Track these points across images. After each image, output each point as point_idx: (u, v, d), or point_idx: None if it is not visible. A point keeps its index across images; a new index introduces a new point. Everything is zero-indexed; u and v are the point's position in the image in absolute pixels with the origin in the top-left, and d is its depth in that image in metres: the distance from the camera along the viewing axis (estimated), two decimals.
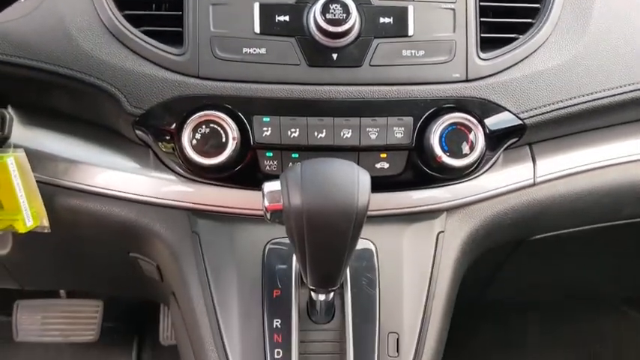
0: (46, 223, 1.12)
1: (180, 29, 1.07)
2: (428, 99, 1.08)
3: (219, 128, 1.03)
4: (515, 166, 1.20)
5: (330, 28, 1.02)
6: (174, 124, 1.05)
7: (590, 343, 2.31)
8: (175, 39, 1.07)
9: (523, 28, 1.14)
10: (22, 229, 1.09)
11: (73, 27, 1.05)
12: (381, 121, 1.07)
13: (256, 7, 1.05)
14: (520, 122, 1.12)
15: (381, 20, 1.06)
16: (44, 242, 1.31)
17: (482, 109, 1.09)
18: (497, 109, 1.11)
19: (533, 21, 1.14)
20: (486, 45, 1.11)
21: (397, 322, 1.09)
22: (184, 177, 1.13)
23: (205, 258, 1.12)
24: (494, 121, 1.10)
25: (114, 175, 1.15)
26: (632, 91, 1.15)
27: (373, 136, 1.07)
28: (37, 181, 1.11)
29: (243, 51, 1.05)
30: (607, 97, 1.14)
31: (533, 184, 1.20)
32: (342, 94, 1.06)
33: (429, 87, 1.08)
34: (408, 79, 1.08)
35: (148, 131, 1.09)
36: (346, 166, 0.87)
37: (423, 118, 1.08)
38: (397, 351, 1.08)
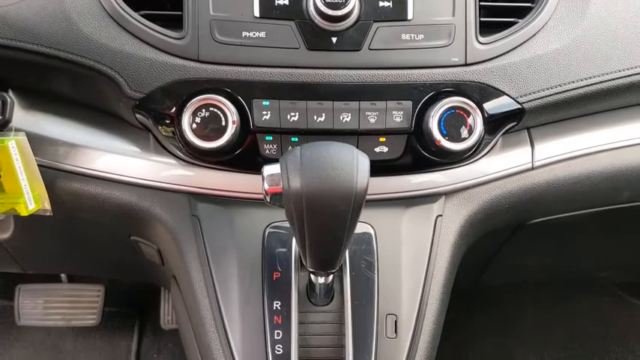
0: (47, 206, 1.13)
1: (180, 13, 1.07)
2: (427, 83, 1.08)
3: (218, 112, 1.04)
4: (513, 150, 1.20)
5: (330, 12, 1.02)
6: (174, 108, 1.06)
7: (586, 327, 2.33)
8: (175, 23, 1.07)
9: (522, 13, 1.14)
10: (24, 212, 1.09)
11: (73, 11, 1.05)
12: (380, 105, 1.07)
13: None
14: (519, 106, 1.12)
15: (381, 4, 1.06)
16: (46, 226, 1.32)
17: (480, 93, 1.10)
18: (496, 93, 1.11)
19: (532, 5, 1.14)
20: (485, 29, 1.11)
21: (395, 304, 1.11)
22: (184, 161, 1.14)
23: (206, 241, 1.13)
24: (493, 106, 1.11)
25: (114, 159, 1.15)
26: (630, 75, 1.15)
27: (372, 120, 1.07)
28: (38, 165, 1.11)
29: (243, 35, 1.06)
30: (605, 81, 1.14)
31: (532, 168, 1.20)
32: (341, 78, 1.06)
33: (428, 71, 1.08)
34: (407, 63, 1.08)
35: (148, 115, 1.09)
36: (345, 149, 0.88)
37: (422, 102, 1.08)
38: (395, 332, 1.09)
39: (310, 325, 1.07)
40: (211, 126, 1.04)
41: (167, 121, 1.08)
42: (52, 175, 1.15)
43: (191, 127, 1.04)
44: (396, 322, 1.10)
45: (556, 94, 1.13)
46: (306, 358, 1.05)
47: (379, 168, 1.05)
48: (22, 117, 1.13)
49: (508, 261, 1.61)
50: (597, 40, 1.14)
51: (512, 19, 1.13)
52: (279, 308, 1.07)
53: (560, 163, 1.21)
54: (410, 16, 1.07)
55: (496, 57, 1.10)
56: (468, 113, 1.07)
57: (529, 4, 1.14)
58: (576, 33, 1.13)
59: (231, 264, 1.11)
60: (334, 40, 1.06)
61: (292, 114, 1.06)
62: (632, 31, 1.15)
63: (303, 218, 0.88)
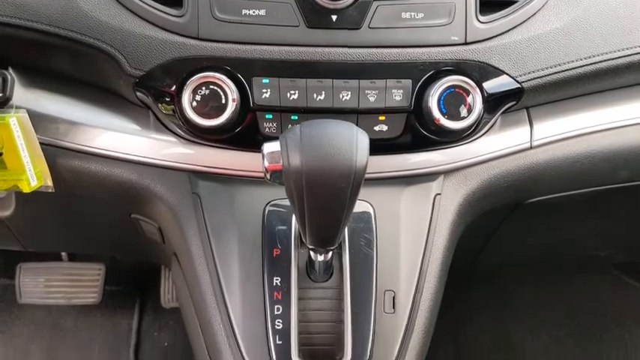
0: (49, 182, 1.14)
1: None
2: (427, 62, 1.08)
3: (218, 90, 1.04)
4: (512, 129, 1.21)
5: None
6: (174, 86, 1.06)
7: (583, 306, 2.35)
8: (175, 0, 1.07)
9: None
10: (26, 189, 1.10)
11: None
12: (380, 84, 1.07)
13: None
14: (518, 86, 1.12)
15: None
16: (47, 203, 1.33)
17: (480, 72, 1.10)
18: (496, 72, 1.11)
19: None
20: (485, 8, 1.10)
21: (394, 281, 1.12)
22: (185, 139, 1.14)
23: (206, 218, 1.14)
24: (493, 85, 1.11)
25: (115, 137, 1.16)
26: (630, 55, 1.15)
27: (372, 99, 1.08)
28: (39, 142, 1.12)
29: (243, 12, 1.05)
30: (605, 60, 1.14)
31: (530, 148, 1.21)
32: (341, 56, 1.06)
33: (427, 50, 1.08)
34: (407, 41, 1.08)
35: (148, 93, 1.09)
36: (345, 127, 0.88)
37: (422, 80, 1.08)
38: (393, 308, 1.10)
39: (310, 300, 1.09)
40: (211, 104, 1.04)
41: (167, 99, 1.08)
42: (52, 153, 1.15)
43: (191, 105, 1.04)
44: (394, 298, 1.11)
45: (555, 73, 1.13)
46: (306, 332, 1.06)
47: (378, 147, 1.05)
48: (22, 95, 1.13)
49: (506, 240, 1.63)
50: (597, 20, 1.14)
51: None
52: (279, 284, 1.08)
53: (558, 142, 1.22)
54: None
55: (496, 36, 1.10)
56: (468, 92, 1.07)
57: None
58: (576, 12, 1.13)
59: (231, 241, 1.12)
60: (334, 18, 1.05)
61: (292, 92, 1.06)
62: (632, 10, 1.15)
63: (303, 196, 0.89)
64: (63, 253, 2.28)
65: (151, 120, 1.16)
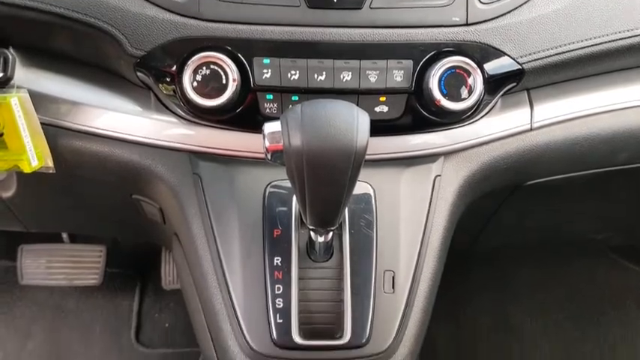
0: (50, 163, 1.14)
1: None
2: (428, 42, 1.08)
3: (219, 70, 1.04)
4: (512, 111, 1.21)
5: None
6: (174, 66, 1.06)
7: (581, 289, 2.36)
8: None
9: None
10: (27, 169, 1.10)
11: None
12: (381, 64, 1.07)
13: None
14: (519, 67, 1.12)
15: None
16: (48, 184, 1.34)
17: (481, 53, 1.10)
18: (497, 53, 1.11)
19: None
20: None
21: (393, 261, 1.12)
22: (185, 119, 1.14)
23: (207, 199, 1.14)
24: (493, 66, 1.11)
25: (116, 117, 1.16)
26: (630, 37, 1.15)
27: (373, 79, 1.08)
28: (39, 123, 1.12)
29: None
30: (606, 42, 1.14)
31: (530, 130, 1.21)
32: (342, 37, 1.06)
33: (429, 30, 1.08)
34: (408, 22, 1.08)
35: (149, 73, 1.09)
36: (346, 107, 0.88)
37: (423, 61, 1.08)
38: (393, 287, 1.11)
39: (310, 280, 1.09)
40: (212, 84, 1.04)
41: (168, 79, 1.08)
42: (53, 133, 1.15)
43: (192, 85, 1.04)
44: (393, 277, 1.11)
45: (556, 54, 1.13)
46: (306, 311, 1.07)
47: (379, 128, 1.05)
48: (23, 75, 1.13)
49: (505, 222, 1.63)
50: (598, 1, 1.13)
51: None
52: (279, 264, 1.09)
53: (558, 124, 1.22)
54: None
55: (497, 17, 1.10)
56: (469, 73, 1.08)
57: None
58: None
59: (232, 221, 1.13)
60: None
61: (293, 72, 1.06)
62: None
63: (304, 176, 0.89)
64: (64, 235, 2.29)
65: (152, 100, 1.16)
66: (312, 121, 0.86)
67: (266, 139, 0.93)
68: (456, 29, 1.09)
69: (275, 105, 1.08)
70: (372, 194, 1.16)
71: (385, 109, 1.10)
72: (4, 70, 1.09)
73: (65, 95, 1.16)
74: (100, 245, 2.31)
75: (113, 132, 1.16)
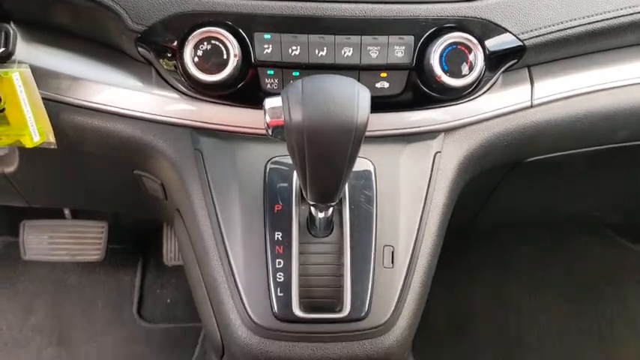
0: (52, 138, 1.14)
1: None
2: (429, 18, 1.08)
3: (220, 45, 1.04)
4: (513, 88, 1.21)
5: None
6: (175, 41, 1.06)
7: (579, 267, 2.38)
8: None
9: None
10: (29, 144, 1.11)
11: None
12: (382, 40, 1.07)
13: None
14: (520, 43, 1.12)
15: None
16: (50, 159, 1.34)
17: (482, 29, 1.10)
18: (498, 29, 1.11)
19: None
20: None
21: (393, 237, 1.13)
22: (187, 95, 1.14)
23: (208, 174, 1.15)
24: (495, 42, 1.11)
25: (117, 93, 1.16)
26: (632, 13, 1.15)
27: (374, 55, 1.08)
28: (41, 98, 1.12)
29: None
30: (607, 19, 1.14)
31: (531, 106, 1.21)
32: (343, 12, 1.06)
33: (430, 6, 1.08)
34: None
35: (150, 48, 1.09)
36: (347, 83, 0.88)
37: (424, 37, 1.08)
38: (392, 262, 1.12)
39: (310, 255, 1.10)
40: (213, 59, 1.04)
41: (169, 55, 1.08)
42: (55, 108, 1.15)
43: (193, 61, 1.05)
44: (393, 252, 1.12)
45: (557, 31, 1.13)
46: (306, 285, 1.09)
47: (379, 104, 1.05)
48: (24, 50, 1.13)
49: (505, 199, 1.64)
50: None
51: None
52: (280, 239, 1.10)
53: (559, 101, 1.22)
54: None
55: None
56: (470, 49, 1.08)
57: None
58: None
59: (233, 196, 1.13)
60: None
61: (294, 48, 1.06)
62: None
63: (304, 151, 0.89)
64: (66, 211, 2.29)
65: (153, 76, 1.16)
66: (313, 97, 0.87)
67: (267, 115, 0.93)
68: (457, 5, 1.09)
69: (276, 80, 1.09)
70: (372, 170, 1.16)
71: (386, 85, 1.10)
72: (6, 45, 1.08)
73: (66, 70, 1.16)
74: (101, 221, 2.31)
75: (114, 107, 1.16)
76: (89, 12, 1.08)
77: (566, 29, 1.13)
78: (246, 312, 1.10)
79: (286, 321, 1.09)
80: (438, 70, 1.07)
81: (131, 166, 1.33)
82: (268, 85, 1.09)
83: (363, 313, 1.09)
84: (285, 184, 1.14)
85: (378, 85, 1.10)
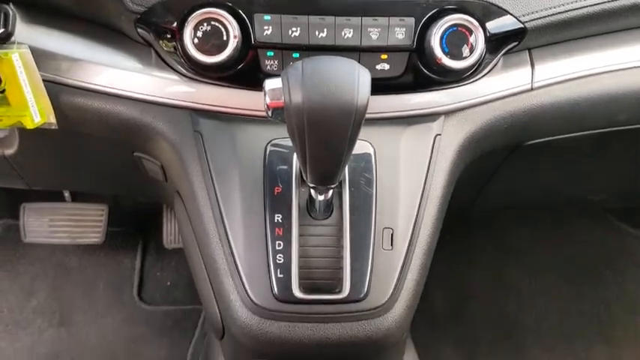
0: (53, 119, 1.14)
1: None
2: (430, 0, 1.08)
3: (220, 26, 1.04)
4: (513, 70, 1.20)
5: None
6: (175, 22, 1.05)
7: (578, 249, 2.39)
8: None
9: None
10: (30, 125, 1.11)
11: None
12: (383, 21, 1.07)
13: None
14: (521, 26, 1.12)
15: None
16: (50, 141, 1.34)
17: (483, 11, 1.09)
18: (499, 11, 1.10)
19: None
20: None
21: (392, 219, 1.13)
22: (186, 77, 1.14)
23: (208, 156, 1.15)
24: (495, 24, 1.11)
25: (117, 74, 1.15)
26: None
27: (374, 37, 1.07)
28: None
29: None
30: (608, 1, 1.14)
31: (531, 89, 1.21)
32: None
33: None
34: None
35: (150, 29, 1.09)
36: (347, 64, 0.88)
37: (425, 19, 1.08)
38: (391, 244, 1.12)
39: (310, 237, 1.11)
40: (213, 40, 1.04)
41: (169, 36, 1.08)
42: (55, 90, 1.15)
43: (193, 42, 1.04)
44: (392, 235, 1.13)
45: (559, 13, 1.13)
46: (306, 267, 1.09)
47: (380, 86, 1.05)
48: (24, 31, 1.12)
49: (505, 183, 1.64)
50: None
51: None
52: (280, 221, 1.10)
53: (559, 84, 1.22)
54: None
55: None
56: (470, 31, 1.07)
57: None
58: None
59: (233, 178, 1.14)
60: None
61: (294, 29, 1.06)
62: None
63: (304, 133, 0.89)
64: (66, 194, 2.30)
65: (153, 57, 1.16)
66: (313, 78, 0.86)
67: (267, 96, 0.93)
68: None
69: (276, 62, 1.08)
70: (372, 153, 1.16)
71: (386, 67, 1.10)
72: (5, 26, 1.08)
73: (66, 52, 1.15)
74: (102, 204, 2.32)
75: (114, 89, 1.16)
76: None
77: (567, 11, 1.13)
78: (247, 293, 1.10)
79: (286, 302, 1.09)
80: (438, 52, 1.06)
81: (131, 147, 1.33)
82: (268, 67, 1.09)
83: (362, 294, 1.10)
84: (285, 167, 1.14)
85: (378, 66, 1.10)
